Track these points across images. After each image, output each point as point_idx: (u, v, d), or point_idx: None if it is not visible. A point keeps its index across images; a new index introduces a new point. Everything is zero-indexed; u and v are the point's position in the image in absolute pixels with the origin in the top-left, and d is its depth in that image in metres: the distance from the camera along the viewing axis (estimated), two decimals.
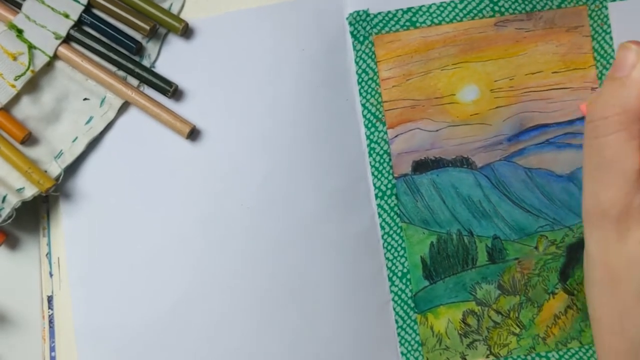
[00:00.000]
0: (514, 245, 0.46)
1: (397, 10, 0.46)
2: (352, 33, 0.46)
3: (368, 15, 0.46)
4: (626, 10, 0.46)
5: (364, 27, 0.46)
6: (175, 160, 0.45)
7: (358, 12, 0.46)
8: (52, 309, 0.45)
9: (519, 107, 0.46)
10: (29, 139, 0.44)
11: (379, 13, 0.46)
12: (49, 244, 0.45)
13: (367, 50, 0.46)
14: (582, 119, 0.46)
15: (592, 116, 0.38)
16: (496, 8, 0.46)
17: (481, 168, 0.46)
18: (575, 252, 0.46)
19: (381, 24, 0.46)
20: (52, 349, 0.45)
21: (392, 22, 0.46)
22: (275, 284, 0.45)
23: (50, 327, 0.45)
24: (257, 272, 0.45)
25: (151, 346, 0.44)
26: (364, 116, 0.46)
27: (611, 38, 0.46)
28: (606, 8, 0.46)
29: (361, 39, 0.46)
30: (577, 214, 0.46)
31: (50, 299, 0.45)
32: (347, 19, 0.46)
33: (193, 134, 0.45)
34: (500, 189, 0.46)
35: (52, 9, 0.45)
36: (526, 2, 0.46)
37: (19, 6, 0.45)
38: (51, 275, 0.45)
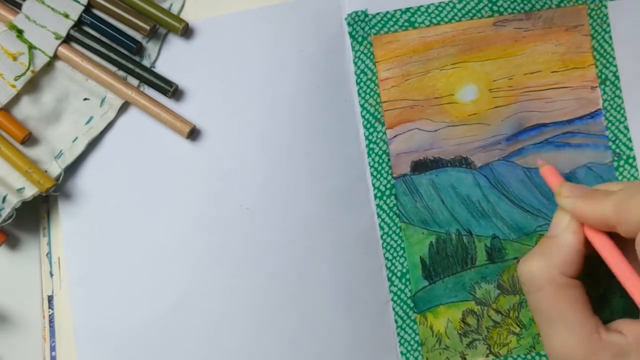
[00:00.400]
0: (513, 245, 0.46)
1: (395, 11, 0.46)
2: (350, 34, 0.46)
3: (366, 15, 0.46)
4: (626, 9, 0.46)
5: (362, 27, 0.46)
6: (175, 160, 0.45)
7: (356, 12, 0.46)
8: (52, 309, 0.45)
9: (518, 107, 0.46)
10: (29, 139, 0.45)
11: (378, 13, 0.46)
12: (49, 244, 0.45)
13: (365, 51, 0.46)
14: (581, 118, 0.46)
15: (521, 269, 0.41)
16: (495, 8, 0.46)
17: (480, 168, 0.46)
18: None
19: (380, 25, 0.46)
20: (53, 348, 0.45)
21: (391, 23, 0.46)
22: (274, 284, 0.45)
23: (50, 326, 0.45)
24: (256, 272, 0.45)
25: (151, 346, 0.44)
26: (363, 116, 0.46)
27: (610, 37, 0.46)
28: (605, 7, 0.46)
29: (360, 39, 0.46)
30: None
31: (50, 299, 0.45)
32: (345, 19, 0.46)
33: (193, 134, 0.45)
34: (499, 188, 0.46)
35: (52, 9, 0.45)
36: (525, 2, 0.46)
37: (19, 6, 0.45)
38: (51, 275, 0.45)
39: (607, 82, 0.46)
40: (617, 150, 0.46)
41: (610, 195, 0.38)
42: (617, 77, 0.46)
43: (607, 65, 0.46)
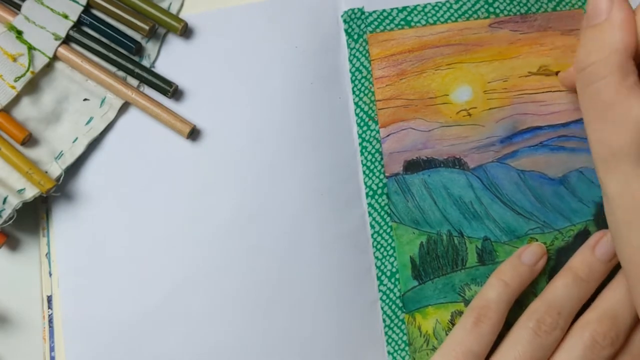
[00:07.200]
0: (504, 247, 0.46)
1: (392, 9, 0.46)
2: (346, 31, 0.46)
3: (363, 13, 0.46)
4: None
5: (358, 25, 0.46)
6: (175, 160, 0.46)
7: (353, 10, 0.46)
8: (51, 309, 0.45)
9: (513, 109, 0.46)
10: (29, 140, 0.45)
11: (374, 11, 0.46)
12: (48, 244, 0.45)
13: (361, 49, 0.46)
14: (576, 122, 0.45)
15: (580, 64, 0.37)
16: (491, 9, 0.45)
17: (473, 169, 0.46)
18: (564, 255, 0.45)
19: (376, 23, 0.46)
20: (52, 349, 0.45)
21: (387, 21, 0.46)
22: (263, 282, 0.45)
23: (50, 327, 0.45)
24: (245, 269, 0.45)
25: (140, 341, 0.45)
26: (357, 115, 0.46)
27: None
28: None
29: (355, 37, 0.46)
30: (567, 217, 0.46)
31: (50, 299, 0.45)
32: (341, 16, 0.46)
33: (193, 134, 0.46)
34: (492, 190, 0.46)
35: (51, 9, 0.45)
36: (521, 4, 0.45)
37: (18, 7, 0.46)
38: (51, 275, 0.45)
39: None
40: None
41: None
42: None
43: None
